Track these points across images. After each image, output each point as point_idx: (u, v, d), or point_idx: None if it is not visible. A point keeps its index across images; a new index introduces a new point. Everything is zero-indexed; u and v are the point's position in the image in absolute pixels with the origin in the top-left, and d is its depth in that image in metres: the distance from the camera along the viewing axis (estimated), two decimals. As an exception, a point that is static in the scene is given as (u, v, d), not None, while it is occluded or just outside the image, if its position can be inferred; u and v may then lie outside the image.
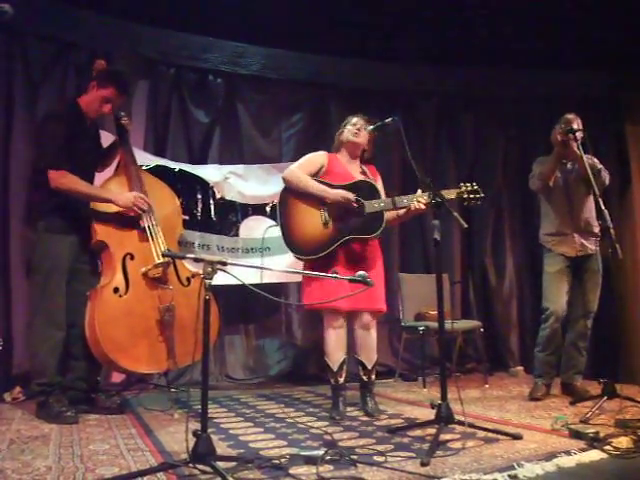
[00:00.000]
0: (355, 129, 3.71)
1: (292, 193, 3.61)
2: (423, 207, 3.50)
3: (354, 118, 3.77)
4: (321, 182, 3.60)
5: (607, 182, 4.14)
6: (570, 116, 4.13)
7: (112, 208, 3.58)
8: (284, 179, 3.63)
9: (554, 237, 4.24)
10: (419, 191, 3.55)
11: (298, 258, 3.62)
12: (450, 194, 3.46)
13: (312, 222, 3.54)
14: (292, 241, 3.56)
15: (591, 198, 4.18)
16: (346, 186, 3.59)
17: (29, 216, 3.69)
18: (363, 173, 3.76)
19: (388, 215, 3.63)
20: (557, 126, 4.16)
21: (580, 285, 4.20)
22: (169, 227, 3.81)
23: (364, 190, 3.59)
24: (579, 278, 4.21)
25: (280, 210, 3.62)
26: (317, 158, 3.72)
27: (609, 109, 5.97)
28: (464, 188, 3.51)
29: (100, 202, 3.58)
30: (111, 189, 3.67)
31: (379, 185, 3.76)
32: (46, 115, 3.76)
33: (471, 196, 3.49)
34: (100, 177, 3.90)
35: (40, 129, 3.67)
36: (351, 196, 3.50)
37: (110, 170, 3.93)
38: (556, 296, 4.16)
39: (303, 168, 3.64)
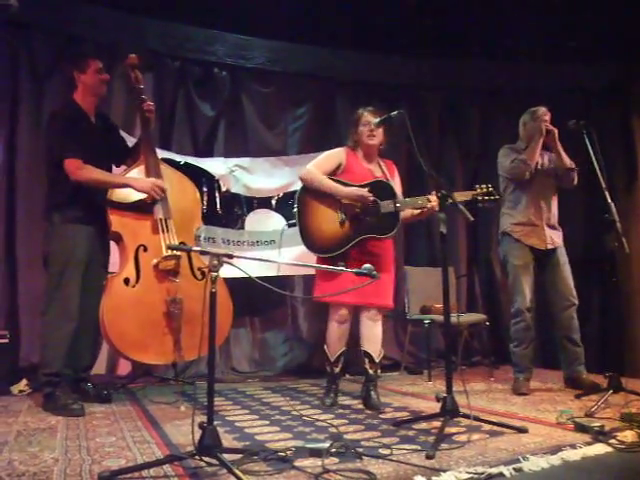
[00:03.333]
0: (369, 131, 3.69)
1: (309, 192, 3.66)
2: (437, 209, 3.45)
3: (365, 115, 3.72)
4: (337, 181, 3.64)
5: (575, 182, 4.22)
6: (544, 108, 4.24)
7: (129, 199, 3.64)
8: (301, 179, 3.70)
9: (524, 227, 4.21)
10: (433, 192, 3.52)
11: (317, 255, 3.65)
12: (465, 196, 3.52)
13: (329, 221, 3.60)
14: (309, 239, 3.62)
15: (556, 193, 4.30)
16: (362, 186, 3.63)
17: (45, 209, 3.70)
18: (380, 169, 3.79)
19: (404, 214, 3.68)
20: (531, 117, 4.29)
21: (552, 280, 4.21)
22: (187, 219, 3.86)
23: (380, 190, 3.62)
24: (549, 272, 4.22)
25: (298, 209, 3.66)
26: (335, 156, 3.76)
27: (615, 102, 5.95)
28: (479, 190, 3.55)
29: (118, 187, 3.63)
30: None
31: (396, 182, 3.81)
32: (49, 115, 3.77)
33: (485, 198, 3.54)
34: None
35: (47, 129, 3.71)
36: (365, 193, 3.53)
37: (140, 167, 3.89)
38: (524, 289, 4.15)
39: (319, 167, 3.68)
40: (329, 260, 3.53)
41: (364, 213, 3.59)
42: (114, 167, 3.93)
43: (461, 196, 3.47)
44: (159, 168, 3.79)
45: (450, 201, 3.08)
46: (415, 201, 3.60)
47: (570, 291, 4.18)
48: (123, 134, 4.22)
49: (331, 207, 3.62)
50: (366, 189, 3.57)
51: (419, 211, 3.67)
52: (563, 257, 4.23)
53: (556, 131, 4.13)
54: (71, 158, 3.45)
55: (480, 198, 3.53)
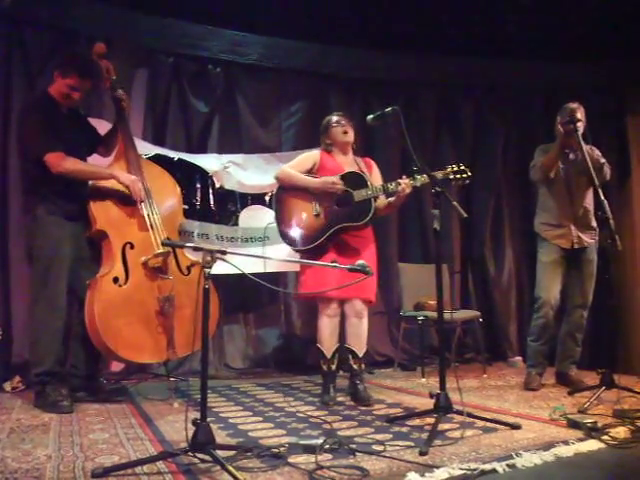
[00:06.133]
0: (342, 129, 3.86)
1: (285, 191, 3.81)
2: (408, 191, 3.64)
3: (335, 117, 3.93)
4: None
5: (608, 177, 4.13)
6: (573, 105, 4.11)
7: (114, 187, 3.59)
8: (276, 178, 3.87)
9: (551, 227, 4.23)
10: (403, 176, 3.68)
11: (295, 250, 3.75)
12: (436, 175, 3.53)
13: (304, 215, 3.72)
14: (286, 233, 3.74)
15: (591, 191, 4.18)
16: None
17: (26, 204, 3.67)
18: (357, 165, 3.89)
19: (379, 203, 3.79)
20: (559, 116, 4.16)
21: (575, 276, 4.21)
22: (170, 215, 3.82)
23: (352, 180, 3.75)
24: (574, 269, 4.21)
25: (275, 207, 3.83)
26: (309, 157, 3.93)
27: (610, 99, 5.96)
28: (450, 169, 3.60)
29: (103, 179, 3.59)
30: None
31: (375, 175, 3.93)
32: (22, 109, 3.72)
33: (457, 176, 3.59)
34: (104, 162, 3.88)
35: (20, 123, 3.65)
36: (336, 179, 3.64)
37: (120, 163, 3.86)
38: (549, 285, 4.16)
39: (294, 167, 3.84)
40: (312, 253, 3.64)
41: (338, 204, 3.70)
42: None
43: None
44: (140, 164, 3.76)
45: (438, 189, 3.08)
46: (386, 187, 3.68)
47: (587, 292, 4.16)
48: (103, 122, 4.21)
49: (306, 201, 3.75)
50: (333, 200, 3.69)
51: (394, 198, 3.76)
52: (591, 256, 4.17)
53: (576, 128, 3.93)
54: (51, 152, 3.42)
55: (452, 177, 3.58)
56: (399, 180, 3.66)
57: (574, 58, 5.69)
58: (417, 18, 5.30)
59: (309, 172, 3.82)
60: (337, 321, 3.73)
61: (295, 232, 3.70)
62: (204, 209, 5.06)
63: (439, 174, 3.57)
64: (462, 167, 3.60)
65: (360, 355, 3.74)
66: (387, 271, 5.46)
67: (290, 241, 3.72)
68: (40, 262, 3.50)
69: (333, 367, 3.73)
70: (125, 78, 4.65)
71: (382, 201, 3.83)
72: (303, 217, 3.71)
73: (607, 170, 4.08)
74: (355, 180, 3.72)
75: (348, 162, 3.89)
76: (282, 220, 3.75)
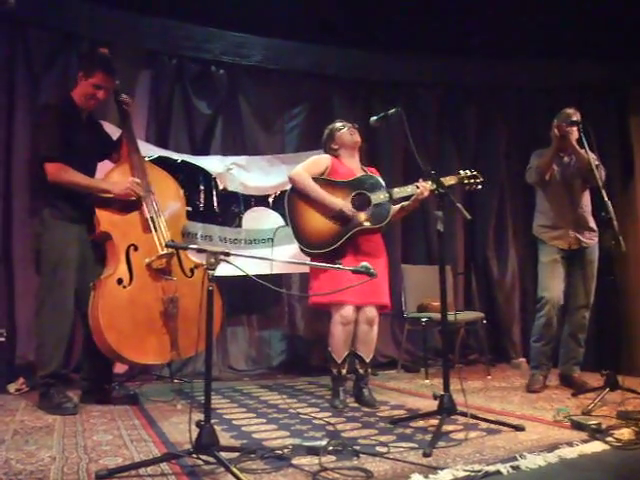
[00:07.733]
0: (349, 131, 3.84)
1: (299, 192, 3.68)
2: (427, 194, 3.58)
3: (338, 123, 3.92)
4: (325, 180, 3.69)
5: (603, 178, 4.13)
6: (570, 110, 4.14)
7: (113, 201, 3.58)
8: (290, 179, 3.73)
9: (548, 229, 4.25)
10: (420, 180, 3.62)
11: (307, 253, 3.65)
12: (450, 180, 3.56)
13: (322, 217, 3.62)
14: (302, 237, 3.63)
15: (587, 192, 4.24)
16: (349, 182, 3.70)
17: (32, 206, 3.65)
18: (363, 172, 3.85)
19: (395, 208, 3.72)
20: (556, 120, 4.18)
21: (576, 277, 4.21)
22: (173, 217, 3.81)
23: (367, 183, 3.69)
24: (574, 269, 4.22)
25: (288, 207, 3.69)
26: (321, 161, 3.81)
27: (613, 100, 5.96)
28: (463, 174, 3.60)
29: (98, 193, 3.56)
30: (114, 178, 3.66)
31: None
32: (41, 108, 3.70)
33: (471, 181, 3.59)
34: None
35: (36, 122, 3.65)
36: (346, 209, 3.58)
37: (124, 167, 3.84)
38: (551, 285, 4.17)
39: (308, 169, 3.73)
40: (326, 257, 3.53)
41: (356, 207, 3.63)
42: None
43: (447, 181, 3.52)
44: (144, 167, 3.74)
45: (442, 191, 3.10)
46: (405, 190, 3.63)
47: (588, 292, 4.16)
48: (107, 125, 4.20)
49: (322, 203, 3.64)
50: (349, 200, 3.63)
51: (408, 202, 3.72)
52: (590, 256, 4.18)
53: (570, 132, 4.02)
54: (52, 162, 3.42)
55: (465, 182, 3.59)
56: (416, 183, 3.61)
57: (577, 58, 5.69)
58: (419, 19, 5.29)
59: (320, 175, 3.73)
60: (351, 328, 3.63)
61: (310, 235, 3.61)
62: (207, 211, 5.06)
63: (453, 179, 3.57)
64: (474, 172, 3.61)
65: (367, 361, 3.72)
66: (391, 273, 5.45)
67: (304, 244, 3.62)
68: (47, 265, 3.49)
69: (344, 371, 3.67)
70: (128, 80, 4.65)
71: (395, 206, 3.76)
72: (319, 219, 3.61)
73: (602, 173, 4.08)
74: (370, 183, 3.69)
75: (357, 167, 3.85)
76: (297, 222, 3.64)
